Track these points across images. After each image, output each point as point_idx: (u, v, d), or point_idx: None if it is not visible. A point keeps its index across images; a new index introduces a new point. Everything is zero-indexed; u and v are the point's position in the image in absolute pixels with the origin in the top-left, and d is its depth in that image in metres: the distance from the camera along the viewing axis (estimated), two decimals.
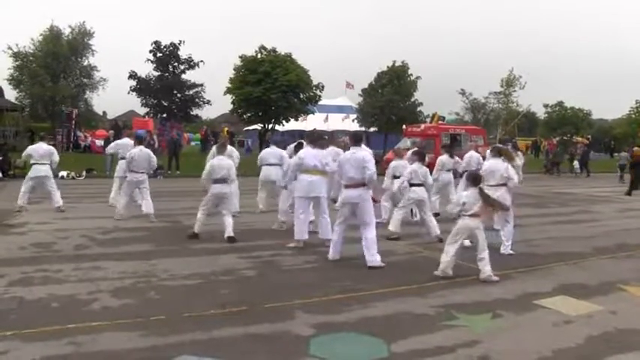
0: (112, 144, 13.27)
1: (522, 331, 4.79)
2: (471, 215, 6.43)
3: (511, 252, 7.96)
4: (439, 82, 64.19)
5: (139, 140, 11.23)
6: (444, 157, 11.48)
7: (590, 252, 8.40)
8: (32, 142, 14.36)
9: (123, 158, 11.42)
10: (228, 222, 8.50)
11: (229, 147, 11.15)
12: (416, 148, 10.87)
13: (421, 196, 8.84)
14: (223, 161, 8.66)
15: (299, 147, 9.83)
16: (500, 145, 9.85)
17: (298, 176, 8.24)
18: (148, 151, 10.84)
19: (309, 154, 8.26)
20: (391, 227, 8.97)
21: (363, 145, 7.59)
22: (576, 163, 28.79)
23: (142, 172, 10.41)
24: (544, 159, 32.03)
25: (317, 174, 8.14)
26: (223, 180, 8.52)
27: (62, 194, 11.45)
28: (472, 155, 11.75)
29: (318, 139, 8.83)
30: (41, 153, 11.21)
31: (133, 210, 10.63)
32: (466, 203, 6.46)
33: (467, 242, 6.91)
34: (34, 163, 11.21)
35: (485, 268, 6.41)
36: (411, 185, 8.84)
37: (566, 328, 4.94)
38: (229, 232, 8.40)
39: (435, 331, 4.70)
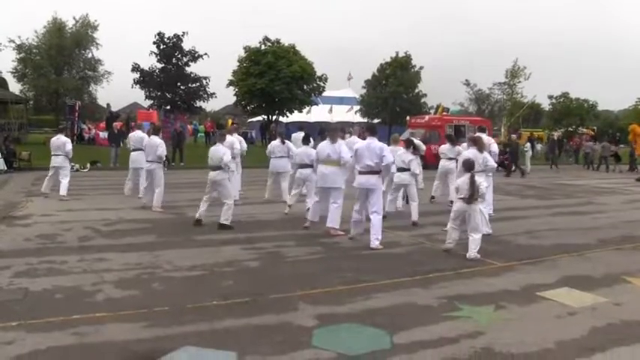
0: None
1: (526, 323, 4.77)
2: (463, 198, 7.03)
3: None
4: (443, 73, 63.99)
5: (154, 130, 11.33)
6: (445, 146, 12.02)
7: (595, 243, 8.36)
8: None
9: (135, 150, 11.90)
10: (223, 210, 8.68)
11: (235, 136, 11.88)
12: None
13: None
14: (218, 148, 8.86)
15: (306, 139, 10.08)
16: (476, 135, 9.97)
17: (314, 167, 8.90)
18: (158, 140, 10.70)
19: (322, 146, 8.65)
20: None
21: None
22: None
23: (151, 161, 10.50)
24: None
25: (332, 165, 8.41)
26: (217, 167, 8.71)
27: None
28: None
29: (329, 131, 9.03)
30: None
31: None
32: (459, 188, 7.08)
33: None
34: None
35: (471, 247, 6.96)
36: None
37: (570, 319, 4.93)
38: (221, 219, 8.63)
39: (438, 323, 4.69)
